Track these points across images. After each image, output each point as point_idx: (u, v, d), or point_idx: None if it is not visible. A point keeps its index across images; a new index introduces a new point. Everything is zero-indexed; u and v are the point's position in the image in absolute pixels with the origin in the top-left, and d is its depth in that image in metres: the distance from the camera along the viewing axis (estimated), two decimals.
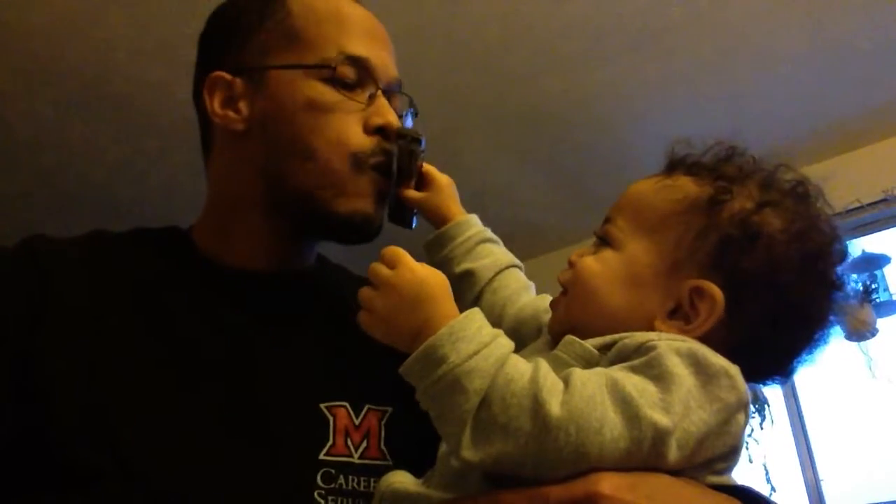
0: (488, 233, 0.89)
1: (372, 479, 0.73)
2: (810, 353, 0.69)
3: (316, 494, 0.72)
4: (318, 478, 0.73)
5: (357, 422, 0.78)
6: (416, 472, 0.67)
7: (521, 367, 0.57)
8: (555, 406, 0.54)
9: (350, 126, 0.81)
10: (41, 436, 0.67)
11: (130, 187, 3.10)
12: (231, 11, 0.89)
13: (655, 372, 0.57)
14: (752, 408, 2.71)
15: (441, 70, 2.50)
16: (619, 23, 2.34)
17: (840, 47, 2.48)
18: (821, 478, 2.84)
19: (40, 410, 0.68)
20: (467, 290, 0.86)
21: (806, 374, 2.95)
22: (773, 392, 2.96)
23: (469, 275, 0.86)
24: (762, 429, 2.91)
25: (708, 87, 2.65)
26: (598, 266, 0.69)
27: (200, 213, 0.91)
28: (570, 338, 0.64)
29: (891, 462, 2.74)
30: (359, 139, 0.81)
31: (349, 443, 0.76)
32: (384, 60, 0.85)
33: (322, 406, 0.77)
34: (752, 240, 0.64)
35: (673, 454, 0.55)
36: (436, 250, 0.89)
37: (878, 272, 2.93)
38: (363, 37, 0.84)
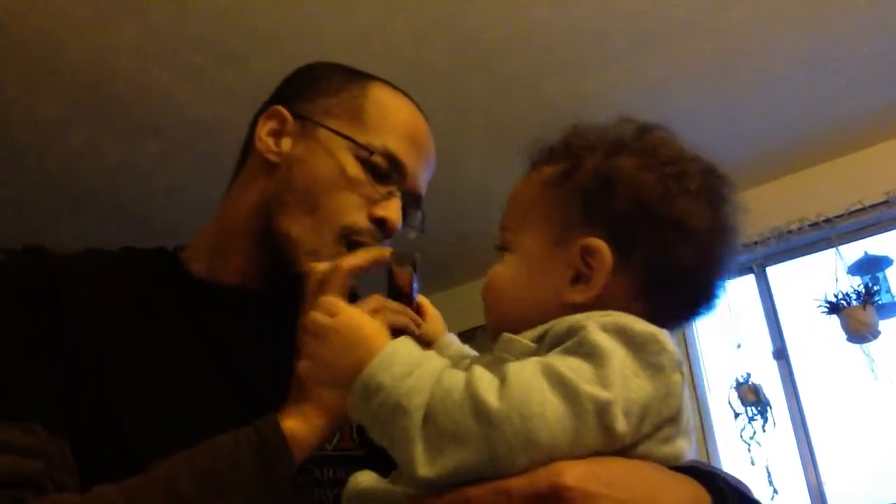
0: (466, 349, 0.91)
1: (348, 469, 0.76)
2: (717, 271, 0.71)
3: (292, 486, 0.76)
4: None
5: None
6: (389, 460, 0.68)
7: (457, 376, 0.59)
8: (494, 401, 0.55)
9: (356, 205, 0.88)
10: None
11: (133, 190, 3.10)
12: (320, 71, 0.98)
13: (586, 350, 0.58)
14: (754, 410, 2.70)
15: (443, 74, 2.51)
16: (621, 26, 2.35)
17: (841, 49, 2.49)
18: (823, 480, 2.84)
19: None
20: None
21: (807, 376, 2.95)
22: (775, 394, 2.96)
23: None
24: (764, 431, 2.91)
25: (709, 90, 2.65)
26: (502, 271, 0.74)
27: (204, 226, 0.96)
28: (506, 336, 0.66)
29: (893, 463, 2.74)
30: (357, 218, 0.88)
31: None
32: (416, 172, 0.93)
33: None
34: (610, 183, 0.68)
35: (621, 425, 0.56)
36: None
37: (880, 274, 2.93)
38: (410, 145, 0.92)
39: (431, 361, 0.61)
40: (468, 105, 2.65)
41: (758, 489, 3.01)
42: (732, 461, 2.98)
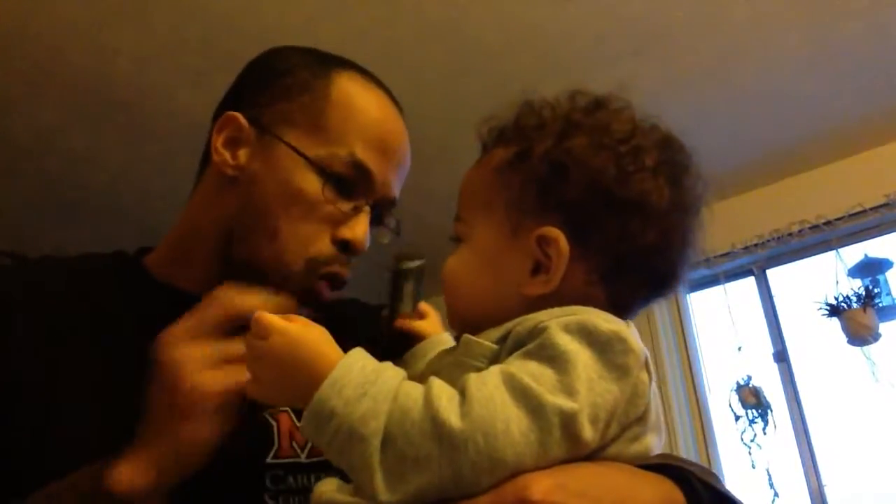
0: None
1: (322, 476, 0.75)
2: (681, 249, 0.67)
3: (266, 497, 0.75)
4: (268, 480, 0.76)
5: (300, 424, 0.79)
6: None
7: (413, 394, 0.56)
8: (455, 421, 0.53)
9: (319, 232, 0.81)
10: None
11: (133, 193, 3.10)
12: (282, 64, 0.88)
13: (549, 353, 0.56)
14: (755, 413, 2.69)
15: (443, 75, 2.51)
16: (621, 27, 2.35)
17: (842, 51, 2.49)
18: (824, 482, 2.84)
19: None
20: None
21: (808, 379, 2.94)
22: (775, 397, 2.96)
23: None
24: (765, 434, 2.91)
25: (709, 92, 2.65)
26: (456, 263, 0.70)
27: (170, 231, 0.92)
28: (466, 338, 0.64)
29: (894, 466, 2.74)
30: (321, 246, 0.81)
31: (294, 444, 0.78)
32: (386, 178, 0.85)
33: (265, 414, 0.79)
34: (563, 168, 0.65)
35: (587, 433, 0.54)
36: (409, 366, 0.90)
37: (880, 277, 2.93)
38: (379, 150, 0.84)
39: (386, 378, 0.57)
40: (467, 106, 2.65)
41: (758, 492, 2.98)
42: (733, 464, 2.98)
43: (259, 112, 0.84)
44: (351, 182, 0.82)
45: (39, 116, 2.65)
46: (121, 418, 0.73)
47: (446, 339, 0.88)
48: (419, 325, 0.87)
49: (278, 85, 0.85)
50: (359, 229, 0.82)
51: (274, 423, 0.79)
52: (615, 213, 0.64)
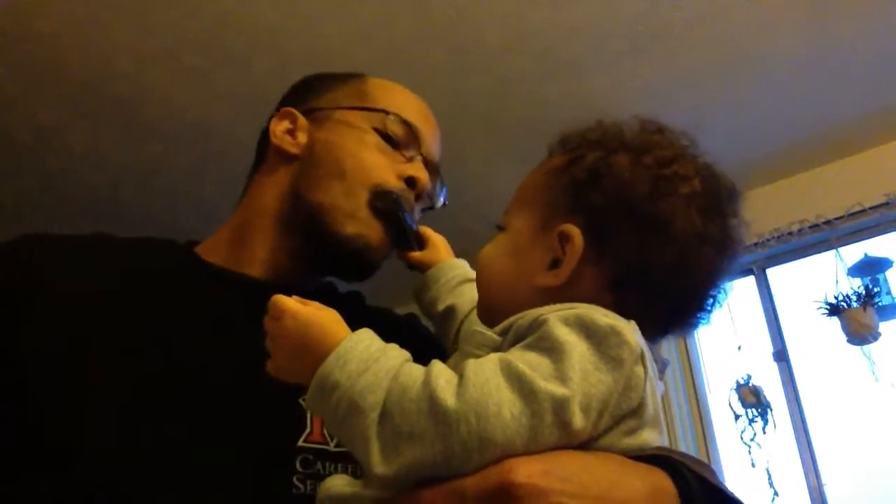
0: (472, 273, 0.92)
1: (349, 466, 0.77)
2: (703, 280, 0.69)
3: (295, 479, 0.75)
4: (297, 463, 0.76)
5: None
6: None
7: (413, 373, 0.58)
8: (450, 400, 0.55)
9: (382, 164, 0.92)
10: (21, 416, 0.70)
11: (133, 192, 3.10)
12: (316, 77, 1.04)
13: (547, 345, 0.58)
14: (755, 412, 2.69)
15: (442, 76, 2.51)
16: (620, 27, 2.35)
17: (841, 51, 2.49)
18: (823, 482, 2.84)
19: (20, 393, 0.71)
20: (450, 324, 0.90)
21: (808, 378, 2.94)
22: (775, 396, 2.96)
23: (451, 310, 0.91)
24: (765, 433, 2.91)
25: (709, 91, 2.65)
26: (491, 249, 0.76)
27: (220, 226, 0.97)
28: (472, 329, 0.67)
29: (894, 465, 2.74)
30: (386, 176, 0.92)
31: (325, 432, 0.80)
32: (430, 139, 0.98)
33: (301, 400, 0.80)
34: (598, 176, 0.69)
35: (578, 421, 0.55)
36: (422, 292, 0.96)
37: (880, 276, 2.92)
38: (418, 115, 0.98)
39: (389, 357, 0.60)
40: (468, 106, 2.65)
41: (758, 491, 2.98)
42: (733, 463, 2.98)
43: (308, 105, 0.97)
44: (403, 137, 0.95)
45: (39, 115, 2.65)
46: (148, 383, 0.74)
47: (453, 265, 0.95)
48: (421, 256, 0.97)
49: (319, 86, 1.00)
50: (419, 169, 0.94)
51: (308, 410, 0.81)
52: (636, 227, 0.66)
